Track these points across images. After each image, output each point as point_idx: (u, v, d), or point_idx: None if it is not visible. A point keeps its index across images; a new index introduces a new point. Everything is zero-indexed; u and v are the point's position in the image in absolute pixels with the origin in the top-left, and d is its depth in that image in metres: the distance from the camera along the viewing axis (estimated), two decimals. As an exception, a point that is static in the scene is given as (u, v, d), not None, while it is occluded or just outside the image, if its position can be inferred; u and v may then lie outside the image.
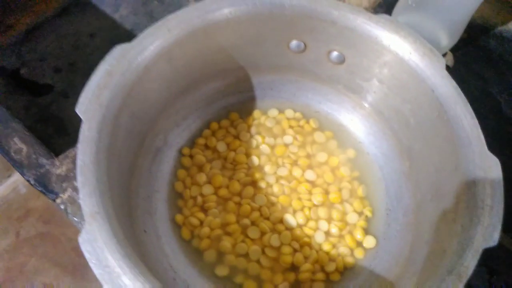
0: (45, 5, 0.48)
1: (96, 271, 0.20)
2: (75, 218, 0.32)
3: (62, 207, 0.32)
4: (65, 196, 0.32)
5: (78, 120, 0.25)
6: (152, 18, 0.49)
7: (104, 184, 0.23)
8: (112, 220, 0.22)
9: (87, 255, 0.21)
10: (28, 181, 0.33)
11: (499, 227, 0.24)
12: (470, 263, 0.23)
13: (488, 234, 0.24)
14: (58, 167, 0.33)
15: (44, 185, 0.33)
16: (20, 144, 0.34)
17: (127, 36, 0.47)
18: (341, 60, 0.34)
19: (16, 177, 0.46)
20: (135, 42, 0.28)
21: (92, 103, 0.25)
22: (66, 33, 0.48)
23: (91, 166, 0.23)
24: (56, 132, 0.40)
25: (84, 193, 0.22)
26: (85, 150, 0.23)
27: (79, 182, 0.22)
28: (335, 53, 0.34)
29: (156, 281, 0.21)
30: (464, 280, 0.22)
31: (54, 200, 0.32)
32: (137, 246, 0.26)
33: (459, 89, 0.29)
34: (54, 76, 0.45)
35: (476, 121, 0.27)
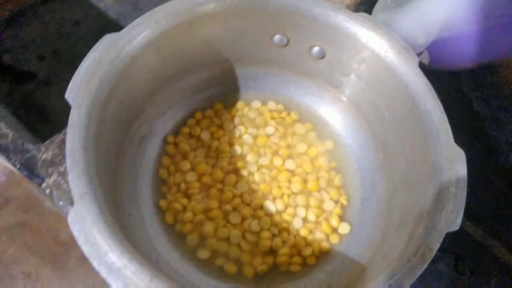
0: (29, -8, 0.48)
1: (85, 248, 0.21)
2: (60, 203, 0.33)
3: (47, 191, 0.33)
4: (50, 181, 0.33)
5: (61, 108, 0.25)
6: (137, 7, 0.49)
7: (92, 167, 0.24)
8: (100, 201, 0.23)
9: (75, 234, 0.21)
10: (14, 165, 0.33)
11: (461, 213, 0.26)
12: (434, 245, 0.24)
13: (451, 220, 0.25)
14: (44, 153, 0.34)
15: (30, 170, 0.33)
16: (5, 129, 0.34)
17: (112, 25, 0.47)
18: (322, 55, 0.35)
19: (-5, 165, 0.45)
20: (123, 32, 0.29)
21: (81, 89, 0.26)
22: (50, 20, 0.47)
23: (80, 149, 0.24)
24: (39, 119, 0.40)
25: (73, 174, 0.23)
26: (74, 134, 0.24)
27: (68, 164, 0.23)
28: (316, 48, 0.35)
29: (141, 258, 0.22)
30: (428, 260, 0.24)
31: (39, 185, 0.33)
32: (122, 229, 0.26)
33: (430, 85, 0.30)
34: (37, 64, 0.44)
35: (444, 116, 0.29)
